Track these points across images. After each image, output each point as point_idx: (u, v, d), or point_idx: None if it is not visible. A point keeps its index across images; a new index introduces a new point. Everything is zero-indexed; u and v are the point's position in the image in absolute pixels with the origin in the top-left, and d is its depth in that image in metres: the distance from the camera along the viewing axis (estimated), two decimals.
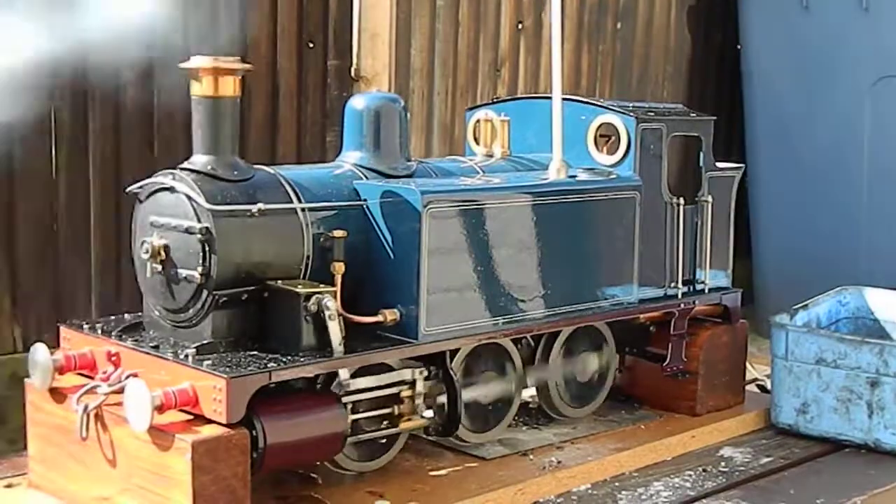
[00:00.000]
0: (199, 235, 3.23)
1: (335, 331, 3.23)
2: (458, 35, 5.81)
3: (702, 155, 4.26)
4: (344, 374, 3.34)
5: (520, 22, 6.07)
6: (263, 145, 5.03)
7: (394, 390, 3.50)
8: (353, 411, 3.41)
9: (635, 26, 6.68)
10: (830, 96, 6.42)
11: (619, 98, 6.17)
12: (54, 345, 3.54)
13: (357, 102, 3.75)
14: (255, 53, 4.93)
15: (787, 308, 4.48)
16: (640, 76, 6.74)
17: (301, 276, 3.41)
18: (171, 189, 3.32)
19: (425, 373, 3.55)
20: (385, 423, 3.52)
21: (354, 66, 5.32)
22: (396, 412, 3.51)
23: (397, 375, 3.50)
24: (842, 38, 6.33)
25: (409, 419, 3.53)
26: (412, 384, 3.53)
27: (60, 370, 3.40)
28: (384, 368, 3.49)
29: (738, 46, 6.91)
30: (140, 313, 3.56)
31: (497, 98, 5.24)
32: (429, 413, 3.56)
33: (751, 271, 6.79)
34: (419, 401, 3.54)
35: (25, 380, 3.48)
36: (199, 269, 3.24)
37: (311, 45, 5.19)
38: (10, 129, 4.33)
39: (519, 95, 5.77)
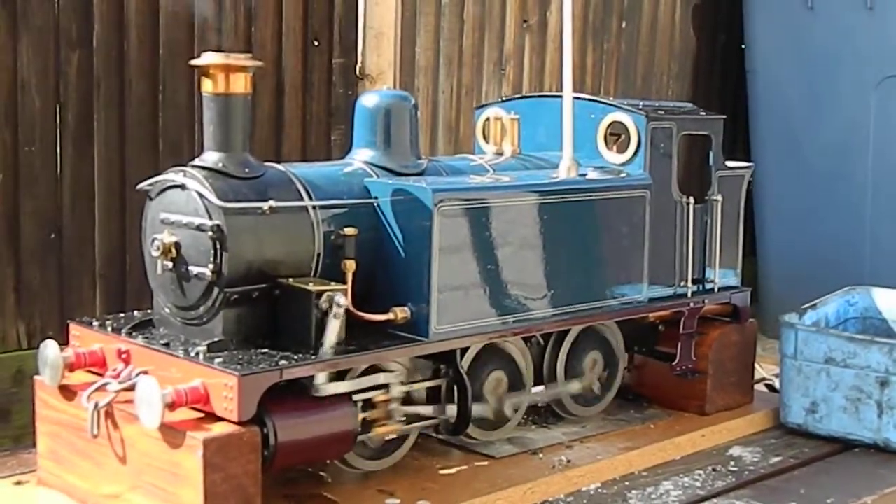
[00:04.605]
0: (210, 233, 3.22)
1: (333, 331, 3.20)
2: (462, 33, 5.80)
3: (711, 154, 4.26)
4: (320, 378, 3.27)
5: (525, 20, 6.06)
6: (268, 143, 5.01)
7: (370, 395, 3.41)
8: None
9: (640, 25, 6.67)
10: (835, 96, 6.41)
11: (624, 97, 6.16)
12: (60, 341, 3.51)
13: (368, 100, 3.74)
14: (260, 51, 4.91)
15: (791, 307, 4.48)
16: (644, 75, 6.73)
17: (312, 274, 3.40)
18: (182, 186, 3.31)
19: (401, 377, 3.49)
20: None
21: (359, 64, 5.31)
22: (370, 418, 3.41)
23: (371, 380, 3.41)
24: (847, 38, 6.32)
25: (383, 424, 3.46)
26: (387, 388, 3.46)
27: (70, 367, 3.40)
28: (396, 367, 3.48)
29: (743, 46, 6.89)
30: (149, 310, 3.56)
31: (506, 96, 5.23)
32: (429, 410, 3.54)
33: (755, 271, 6.78)
34: (394, 405, 3.47)
35: (35, 377, 3.47)
36: (210, 266, 3.23)
37: (316, 43, 5.18)
38: (16, 127, 4.33)
39: (528, 94, 5.75)
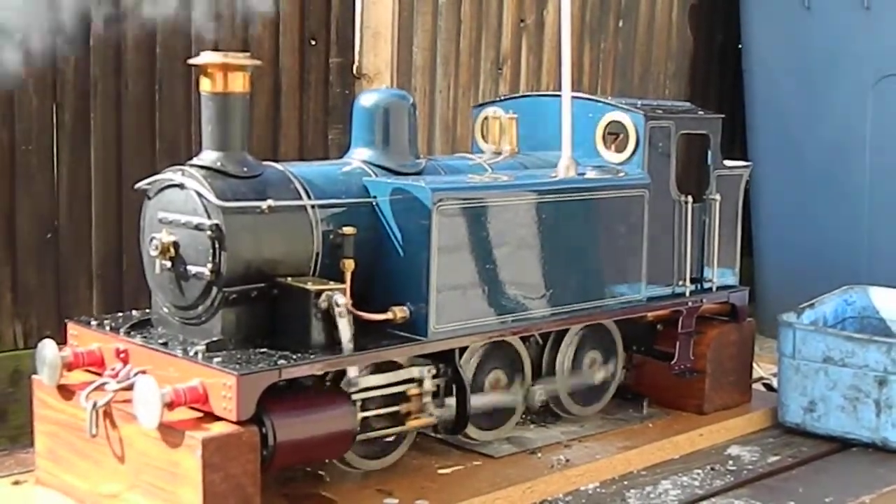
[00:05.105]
0: (208, 232, 3.21)
1: (345, 328, 3.22)
2: (460, 33, 5.80)
3: (710, 153, 4.26)
4: (353, 371, 3.33)
5: (522, 20, 6.06)
6: (265, 142, 5.01)
7: (402, 388, 3.47)
8: (362, 409, 3.39)
9: (637, 25, 6.67)
10: (832, 95, 6.41)
11: (621, 96, 6.16)
12: (57, 341, 3.51)
13: (366, 99, 3.74)
14: (257, 50, 4.90)
15: (788, 307, 4.48)
16: (641, 75, 6.73)
17: (311, 273, 3.39)
18: (181, 186, 3.30)
19: (434, 371, 3.52)
20: (393, 421, 3.49)
21: (356, 63, 5.31)
22: (404, 410, 3.48)
23: (406, 373, 3.48)
24: (843, 37, 6.32)
25: (416, 417, 3.51)
26: (420, 382, 3.51)
27: (68, 367, 3.39)
28: (393, 366, 3.47)
29: (740, 45, 6.90)
30: (147, 310, 3.55)
31: (504, 95, 5.23)
32: (438, 411, 3.54)
33: (752, 270, 6.78)
34: (427, 399, 3.51)
35: (33, 376, 3.46)
36: (209, 265, 3.22)
37: (313, 42, 5.18)
38: (12, 126, 4.33)
39: (526, 93, 5.75)
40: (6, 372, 4.40)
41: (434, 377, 3.54)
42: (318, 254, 3.40)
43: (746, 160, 5.70)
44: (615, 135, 4.11)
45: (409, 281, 3.43)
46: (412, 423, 3.50)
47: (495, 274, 3.58)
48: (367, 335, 3.35)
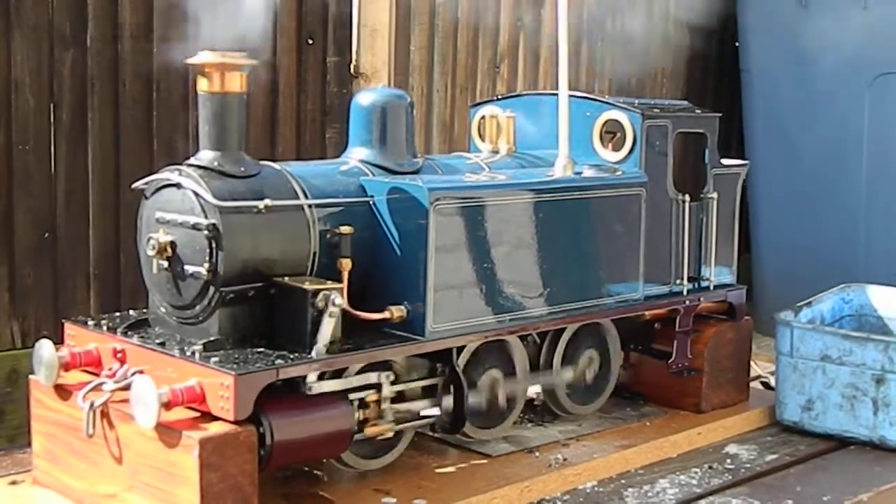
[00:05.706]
0: (205, 232, 3.21)
1: (326, 330, 3.19)
2: (457, 32, 5.79)
3: (707, 151, 4.26)
4: (311, 377, 3.25)
5: (519, 19, 6.06)
6: (262, 142, 5.01)
7: (361, 395, 3.40)
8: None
9: (634, 23, 6.66)
10: (829, 93, 6.42)
11: (618, 95, 6.16)
12: (54, 341, 3.50)
13: (363, 98, 3.73)
14: (254, 49, 4.89)
15: (785, 305, 4.48)
16: (638, 73, 6.73)
17: (308, 273, 3.39)
18: (178, 185, 3.29)
19: (392, 377, 3.48)
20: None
21: (354, 62, 5.31)
22: (361, 417, 3.41)
23: (362, 379, 3.40)
24: (841, 35, 6.33)
25: (374, 424, 3.45)
26: (378, 388, 3.45)
27: (65, 367, 3.38)
28: (388, 366, 3.47)
29: (737, 43, 6.91)
30: (145, 310, 3.54)
31: (502, 94, 5.23)
32: (425, 409, 3.53)
33: (749, 268, 6.78)
34: (385, 405, 3.46)
35: (30, 376, 3.45)
36: (206, 265, 3.22)
37: (310, 41, 5.17)
38: (9, 126, 4.32)
39: (524, 92, 5.75)
40: (3, 372, 4.39)
41: (431, 376, 3.53)
42: (315, 253, 3.40)
43: (743, 158, 5.71)
44: (612, 133, 4.11)
45: (407, 280, 3.43)
46: (369, 431, 3.43)
47: (493, 273, 3.57)
48: (364, 334, 3.35)
